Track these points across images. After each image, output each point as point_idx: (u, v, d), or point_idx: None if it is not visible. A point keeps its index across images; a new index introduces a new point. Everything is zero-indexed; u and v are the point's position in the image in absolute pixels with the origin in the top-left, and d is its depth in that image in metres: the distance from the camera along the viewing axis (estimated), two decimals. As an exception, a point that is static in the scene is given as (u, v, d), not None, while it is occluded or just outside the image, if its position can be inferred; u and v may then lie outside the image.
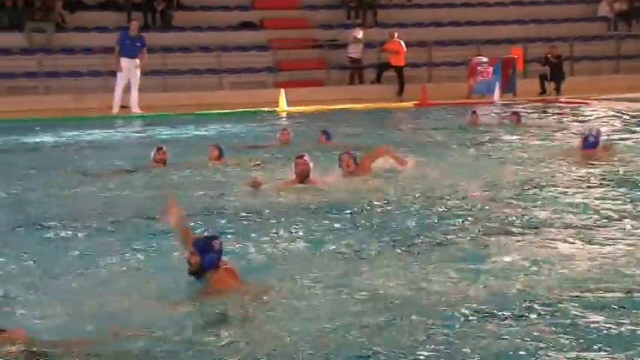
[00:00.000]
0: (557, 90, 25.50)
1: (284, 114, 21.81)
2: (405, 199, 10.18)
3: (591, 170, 11.83)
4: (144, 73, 22.15)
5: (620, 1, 30.07)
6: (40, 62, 24.63)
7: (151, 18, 26.60)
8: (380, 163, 11.76)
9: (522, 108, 20.91)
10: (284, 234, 8.53)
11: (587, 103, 22.48)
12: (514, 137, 15.83)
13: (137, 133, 19.18)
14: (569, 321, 5.93)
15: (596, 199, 10.03)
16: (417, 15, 28.81)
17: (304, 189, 10.64)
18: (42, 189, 11.45)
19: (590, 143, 12.95)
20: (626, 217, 9.02)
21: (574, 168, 12.10)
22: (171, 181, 11.85)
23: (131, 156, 14.30)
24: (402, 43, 25.39)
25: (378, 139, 15.19)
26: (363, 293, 6.58)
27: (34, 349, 5.40)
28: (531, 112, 20.54)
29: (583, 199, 10.04)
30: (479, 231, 8.53)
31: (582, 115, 20.04)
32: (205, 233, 7.72)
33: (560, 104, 22.90)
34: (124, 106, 22.04)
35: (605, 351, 5.44)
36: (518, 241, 8.16)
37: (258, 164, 12.93)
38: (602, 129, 14.78)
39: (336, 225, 8.93)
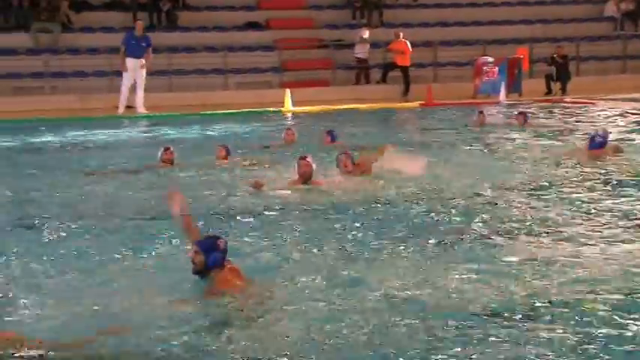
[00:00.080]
0: (563, 90, 25.46)
1: (289, 114, 21.80)
2: (410, 199, 10.16)
3: (598, 170, 11.80)
4: (149, 74, 22.17)
5: (626, 1, 30.00)
6: (46, 62, 24.64)
7: (156, 18, 26.61)
8: (387, 164, 11.71)
9: (528, 108, 20.86)
10: (287, 234, 8.52)
11: (593, 103, 22.44)
12: (521, 137, 15.80)
13: (143, 133, 19.17)
14: (577, 321, 5.89)
15: (604, 199, 10.00)
16: (422, 15, 28.78)
17: (307, 190, 10.68)
18: (47, 189, 11.45)
19: (597, 143, 12.93)
20: (634, 218, 8.99)
21: (581, 168, 12.07)
22: (178, 180, 11.85)
23: (137, 156, 14.30)
24: (408, 43, 25.36)
25: (384, 140, 15.14)
26: (368, 293, 6.55)
27: (28, 350, 5.37)
28: (537, 113, 20.50)
29: (590, 199, 10.01)
30: (485, 231, 8.50)
31: (589, 116, 19.99)
32: (210, 232, 7.70)
33: (566, 104, 22.85)
34: (130, 106, 22.05)
35: (616, 352, 5.41)
36: (524, 241, 8.13)
37: (265, 165, 12.92)
38: (609, 129, 14.74)
39: (339, 225, 8.91)
